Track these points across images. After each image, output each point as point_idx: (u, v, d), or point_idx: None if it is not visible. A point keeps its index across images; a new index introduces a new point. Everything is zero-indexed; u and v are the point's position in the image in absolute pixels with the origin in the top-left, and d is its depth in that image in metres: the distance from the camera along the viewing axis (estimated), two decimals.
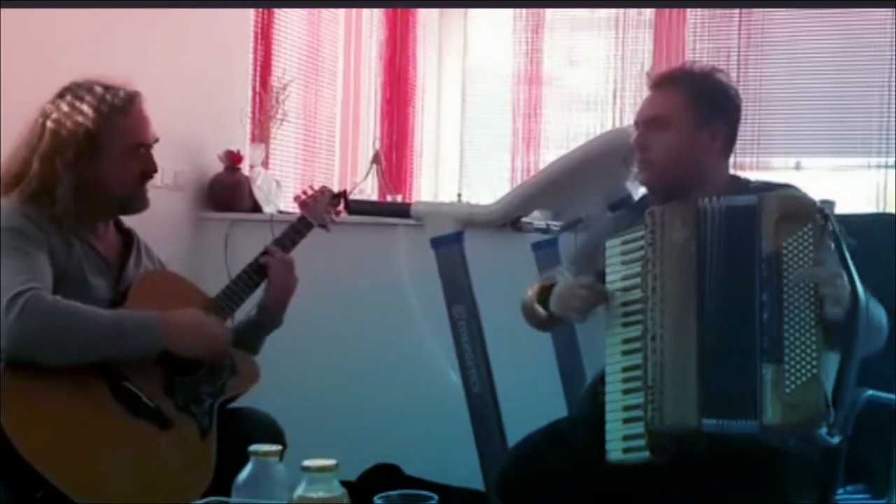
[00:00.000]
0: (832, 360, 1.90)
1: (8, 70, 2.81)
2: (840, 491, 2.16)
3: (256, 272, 2.33)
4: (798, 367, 1.87)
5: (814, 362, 1.86)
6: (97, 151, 2.14)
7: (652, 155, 2.21)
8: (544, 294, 2.26)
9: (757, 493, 1.92)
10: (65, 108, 2.15)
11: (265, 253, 2.35)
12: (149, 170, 2.23)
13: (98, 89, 2.18)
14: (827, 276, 1.88)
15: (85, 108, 2.15)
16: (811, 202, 1.98)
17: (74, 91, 2.18)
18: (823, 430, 1.90)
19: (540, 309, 2.29)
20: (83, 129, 2.13)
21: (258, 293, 2.37)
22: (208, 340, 2.15)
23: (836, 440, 1.93)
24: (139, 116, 2.21)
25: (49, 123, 2.14)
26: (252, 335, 2.38)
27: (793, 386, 1.86)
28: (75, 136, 2.13)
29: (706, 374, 1.92)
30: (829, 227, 1.92)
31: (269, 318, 2.37)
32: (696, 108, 2.19)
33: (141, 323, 2.08)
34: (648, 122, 2.23)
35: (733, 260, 1.98)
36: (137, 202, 2.24)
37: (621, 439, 1.99)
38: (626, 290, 2.07)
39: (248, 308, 2.37)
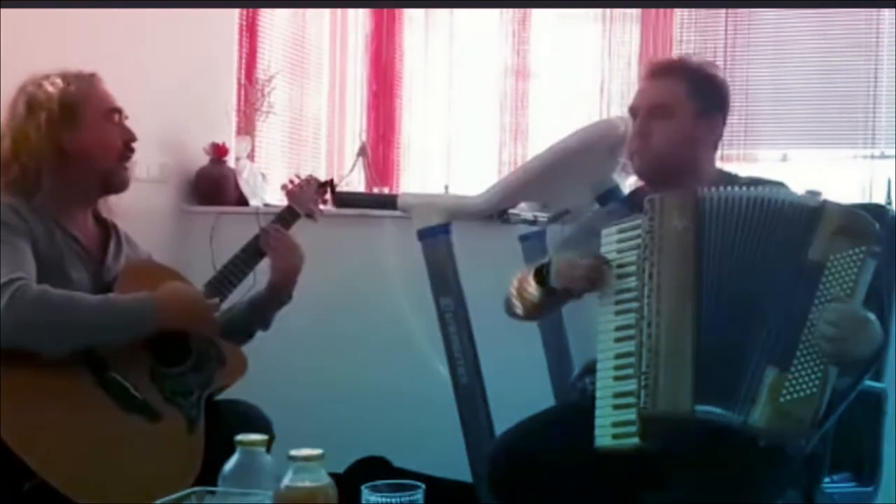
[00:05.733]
0: (834, 374, 1.89)
1: None
2: (827, 479, 2.17)
3: (256, 251, 2.34)
4: (801, 380, 1.86)
5: (817, 381, 1.85)
6: (74, 115, 2.13)
7: (652, 142, 2.19)
8: (540, 275, 2.20)
9: (743, 481, 1.91)
10: (36, 82, 2.15)
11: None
12: (129, 138, 2.21)
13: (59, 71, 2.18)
14: (853, 317, 1.85)
15: (56, 79, 2.15)
16: (873, 224, 1.93)
17: (42, 75, 2.17)
18: (801, 442, 1.91)
19: (533, 290, 2.23)
20: (57, 93, 2.13)
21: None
22: (198, 312, 2.14)
23: (808, 449, 1.94)
24: (104, 89, 2.21)
25: (22, 98, 2.14)
26: (262, 310, 2.41)
27: (789, 397, 1.86)
28: (48, 101, 2.12)
29: (703, 361, 1.91)
30: (879, 255, 1.89)
31: (276, 294, 2.39)
32: (697, 100, 2.19)
33: (133, 301, 2.07)
34: (650, 109, 2.21)
35: (760, 255, 1.95)
36: (118, 177, 2.20)
37: (611, 425, 1.99)
38: (620, 277, 2.06)
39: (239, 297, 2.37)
